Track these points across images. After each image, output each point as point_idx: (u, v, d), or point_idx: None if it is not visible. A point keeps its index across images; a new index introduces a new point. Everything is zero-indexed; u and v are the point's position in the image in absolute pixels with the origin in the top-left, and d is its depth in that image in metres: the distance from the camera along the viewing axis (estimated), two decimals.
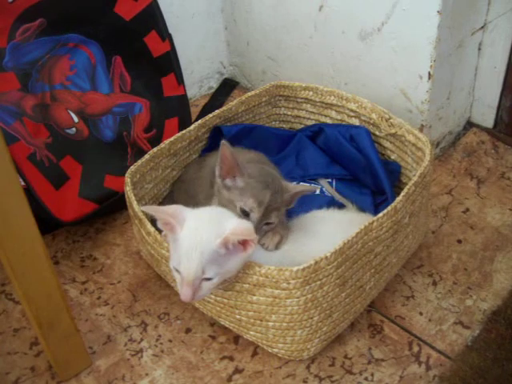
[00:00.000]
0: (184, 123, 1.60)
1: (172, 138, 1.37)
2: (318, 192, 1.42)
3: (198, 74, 1.93)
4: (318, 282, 1.08)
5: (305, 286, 1.07)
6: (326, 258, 1.07)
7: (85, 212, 1.43)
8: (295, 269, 1.05)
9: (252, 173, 1.19)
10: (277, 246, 1.22)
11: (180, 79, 1.62)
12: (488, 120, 1.70)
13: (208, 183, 1.29)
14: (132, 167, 1.30)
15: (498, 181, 1.58)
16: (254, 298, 1.11)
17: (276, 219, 1.20)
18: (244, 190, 1.16)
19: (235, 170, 1.16)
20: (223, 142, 1.15)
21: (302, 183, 1.44)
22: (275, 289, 1.08)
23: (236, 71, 2.00)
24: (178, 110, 1.62)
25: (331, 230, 1.25)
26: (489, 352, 1.18)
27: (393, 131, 1.40)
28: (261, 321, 1.14)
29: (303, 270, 1.06)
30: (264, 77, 1.88)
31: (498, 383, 1.13)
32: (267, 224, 1.19)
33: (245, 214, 1.15)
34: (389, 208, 1.16)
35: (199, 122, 1.41)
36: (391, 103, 1.56)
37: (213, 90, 1.96)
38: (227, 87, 1.96)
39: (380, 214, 1.15)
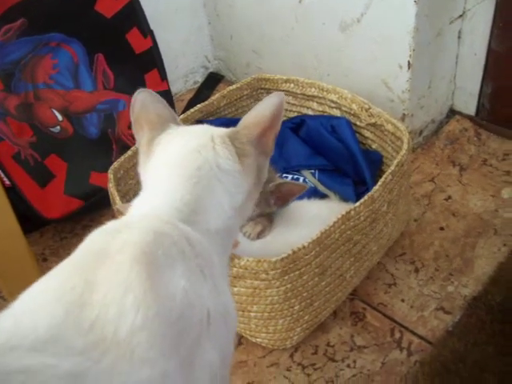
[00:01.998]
0: None
1: None
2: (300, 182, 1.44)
3: (183, 69, 1.94)
4: (297, 272, 1.10)
5: (284, 276, 1.09)
6: (304, 247, 1.09)
7: (71, 209, 1.45)
8: (273, 260, 1.07)
9: None
10: (258, 236, 1.24)
11: (163, 75, 1.63)
12: (470, 107, 1.71)
13: None
14: (115, 163, 1.31)
15: (481, 168, 1.59)
16: (235, 289, 1.13)
17: (256, 208, 1.22)
18: None
19: None
20: None
21: (284, 175, 1.45)
22: (255, 280, 1.10)
23: (221, 65, 2.01)
24: None
25: (312, 219, 1.27)
26: (469, 336, 1.20)
27: (373, 121, 1.42)
28: (243, 311, 1.16)
29: (282, 260, 1.07)
30: (248, 70, 1.89)
31: (477, 367, 1.14)
32: None
33: None
34: (366, 197, 1.18)
35: (181, 116, 1.43)
36: (373, 93, 1.57)
37: (198, 85, 1.97)
38: (212, 81, 1.98)
39: (357, 204, 1.17)
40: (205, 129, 0.83)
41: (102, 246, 0.63)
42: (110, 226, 0.69)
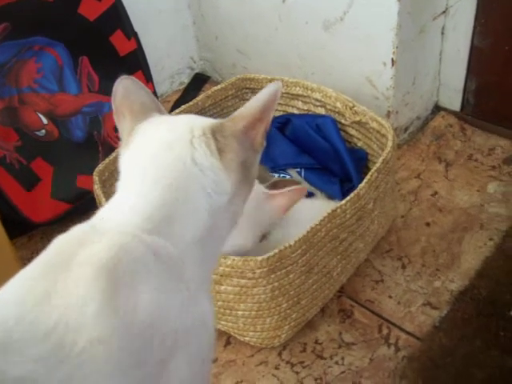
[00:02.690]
0: None
1: None
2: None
3: (169, 70, 1.94)
4: (284, 270, 1.11)
5: (270, 274, 1.10)
6: (290, 246, 1.09)
7: (58, 212, 1.45)
8: (260, 258, 1.08)
9: None
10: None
11: (148, 76, 1.64)
12: (455, 103, 1.72)
13: None
14: (100, 165, 1.31)
15: (466, 163, 1.60)
16: (222, 287, 1.13)
17: None
18: None
19: None
20: None
21: (271, 174, 1.46)
22: (241, 279, 1.11)
23: (207, 65, 2.01)
24: None
25: (299, 218, 1.27)
26: (456, 331, 1.21)
27: (357, 119, 1.42)
28: (230, 310, 1.17)
29: (268, 259, 1.08)
30: (234, 70, 1.89)
31: (464, 361, 1.15)
32: None
33: None
34: (352, 195, 1.18)
35: None
36: (358, 91, 1.58)
37: (184, 86, 1.98)
38: (199, 82, 1.98)
39: (343, 201, 1.17)
40: (187, 119, 0.76)
41: (64, 257, 0.62)
42: (74, 234, 0.66)
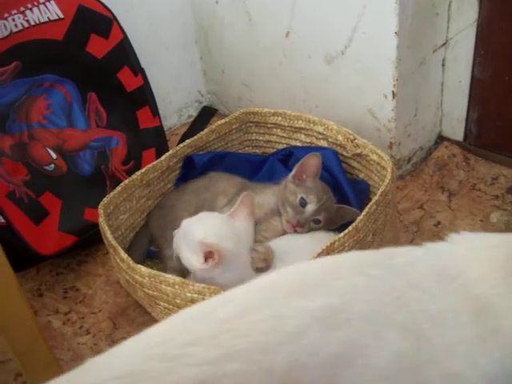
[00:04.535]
0: (161, 153, 1.63)
1: (143, 169, 1.42)
2: None
3: (177, 104, 1.98)
4: None
5: None
6: None
7: (65, 245, 1.48)
8: None
9: (321, 182, 1.38)
10: (257, 270, 1.26)
11: (155, 111, 1.67)
12: (458, 133, 1.74)
13: (193, 207, 1.40)
14: (105, 199, 1.35)
15: (469, 193, 1.61)
16: None
17: (322, 221, 1.33)
18: (310, 189, 1.34)
19: (312, 174, 1.36)
20: (316, 153, 1.36)
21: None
22: None
23: (214, 99, 2.05)
24: (155, 141, 1.68)
25: (299, 251, 1.29)
26: None
27: (358, 151, 1.44)
28: None
29: None
30: (240, 103, 1.93)
31: None
32: (315, 221, 1.33)
33: (302, 205, 1.32)
34: (350, 228, 1.20)
35: (170, 152, 1.47)
36: (361, 123, 1.61)
37: (192, 119, 2.01)
38: (206, 115, 2.02)
39: (341, 234, 1.18)
40: None
41: None
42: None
